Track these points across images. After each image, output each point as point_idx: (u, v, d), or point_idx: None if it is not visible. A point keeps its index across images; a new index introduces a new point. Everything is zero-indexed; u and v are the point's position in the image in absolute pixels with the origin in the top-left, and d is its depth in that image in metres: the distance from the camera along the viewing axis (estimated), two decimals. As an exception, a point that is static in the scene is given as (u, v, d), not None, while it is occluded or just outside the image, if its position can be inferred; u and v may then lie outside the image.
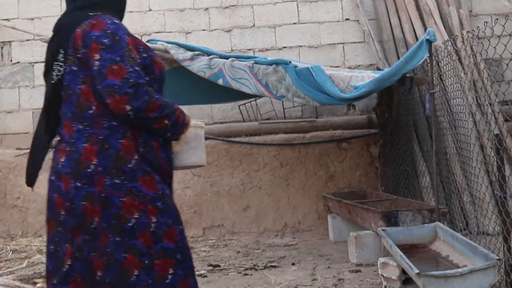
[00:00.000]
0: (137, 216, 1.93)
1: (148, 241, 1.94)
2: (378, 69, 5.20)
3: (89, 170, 1.93)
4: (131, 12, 5.99)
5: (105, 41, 1.96)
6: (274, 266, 4.16)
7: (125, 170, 1.94)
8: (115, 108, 1.93)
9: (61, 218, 1.98)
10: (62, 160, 2.00)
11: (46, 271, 2.05)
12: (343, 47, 5.95)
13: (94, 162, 1.93)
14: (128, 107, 1.92)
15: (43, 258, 4.30)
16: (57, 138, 2.12)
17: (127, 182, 1.93)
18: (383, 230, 3.52)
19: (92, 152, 1.94)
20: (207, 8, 6.01)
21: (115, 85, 1.91)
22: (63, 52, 2.02)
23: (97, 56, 1.94)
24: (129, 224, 1.92)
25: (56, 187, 2.00)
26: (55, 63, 2.04)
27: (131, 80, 1.93)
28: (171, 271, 1.96)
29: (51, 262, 2.03)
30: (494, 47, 3.09)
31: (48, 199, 2.05)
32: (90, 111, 1.98)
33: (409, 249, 3.40)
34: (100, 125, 1.97)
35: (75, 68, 2.00)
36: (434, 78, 4.03)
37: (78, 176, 1.94)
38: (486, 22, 3.36)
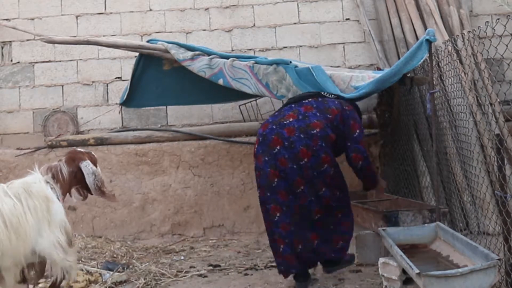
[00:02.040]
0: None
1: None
2: (379, 69, 5.20)
3: (313, 132, 3.42)
4: (132, 12, 6.01)
5: (360, 125, 3.60)
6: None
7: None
8: (354, 159, 3.53)
9: (274, 151, 3.42)
10: (291, 120, 3.49)
11: (259, 186, 3.51)
12: (344, 47, 5.95)
13: (317, 130, 3.43)
14: (360, 163, 3.53)
15: None
16: (290, 107, 3.64)
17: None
18: (383, 230, 3.52)
19: (319, 125, 3.45)
20: (207, 8, 6.01)
21: (361, 149, 3.53)
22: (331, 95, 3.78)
23: (358, 130, 3.55)
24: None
25: (278, 132, 3.45)
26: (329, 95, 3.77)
27: (366, 152, 3.59)
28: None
29: (261, 180, 3.47)
30: (495, 47, 3.09)
31: (263, 139, 3.48)
32: (330, 116, 3.54)
33: (410, 249, 3.39)
34: (315, 142, 3.41)
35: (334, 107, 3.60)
36: (434, 78, 4.03)
37: (304, 132, 3.42)
38: (487, 22, 3.35)
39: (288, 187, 3.40)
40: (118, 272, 3.93)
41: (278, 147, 3.40)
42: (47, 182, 2.92)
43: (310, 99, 3.66)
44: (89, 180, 3.04)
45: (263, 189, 3.48)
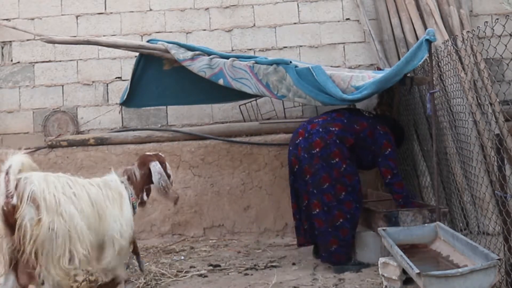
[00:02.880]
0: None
1: None
2: (379, 69, 5.20)
3: (313, 151, 3.94)
4: (132, 12, 6.01)
5: (393, 145, 4.09)
6: (275, 266, 4.17)
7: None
8: (384, 173, 4.05)
9: (295, 170, 4.09)
10: (301, 139, 4.05)
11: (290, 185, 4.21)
12: (344, 47, 5.95)
13: (317, 150, 3.93)
14: (388, 178, 4.02)
15: None
16: (304, 123, 4.24)
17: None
18: (383, 230, 3.52)
19: (318, 145, 3.93)
20: (207, 8, 6.01)
21: (391, 165, 4.02)
22: (370, 114, 4.35)
23: (389, 149, 4.04)
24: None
25: (294, 153, 4.09)
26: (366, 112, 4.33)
27: (396, 168, 4.06)
28: None
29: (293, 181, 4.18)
30: (495, 47, 3.10)
31: (288, 158, 4.20)
32: (357, 127, 4.07)
33: (410, 249, 3.40)
34: (330, 136, 3.95)
35: (368, 123, 4.12)
36: (434, 78, 4.03)
37: (307, 151, 3.96)
38: (487, 22, 3.36)
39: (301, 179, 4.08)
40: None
41: (295, 165, 4.14)
42: (122, 182, 3.35)
43: (345, 110, 4.25)
44: (155, 178, 3.45)
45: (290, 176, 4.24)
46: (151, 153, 3.67)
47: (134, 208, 3.39)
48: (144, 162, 3.52)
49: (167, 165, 3.62)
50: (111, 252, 3.12)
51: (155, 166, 3.47)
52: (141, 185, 3.47)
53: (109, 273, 3.19)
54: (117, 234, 3.14)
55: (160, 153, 3.71)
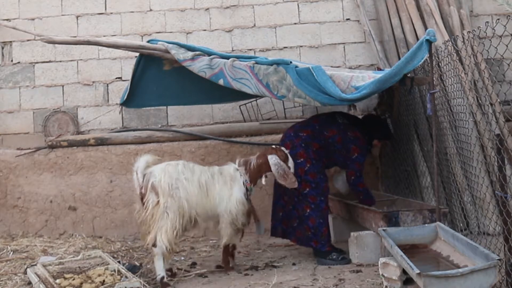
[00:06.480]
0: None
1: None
2: (379, 69, 5.19)
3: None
4: (132, 12, 6.01)
5: (361, 150, 4.38)
6: (275, 266, 4.17)
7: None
8: (349, 175, 4.39)
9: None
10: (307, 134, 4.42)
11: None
12: (344, 47, 5.95)
13: (287, 151, 4.26)
14: (352, 179, 4.37)
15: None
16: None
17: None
18: (383, 230, 3.52)
19: (288, 146, 4.32)
20: (207, 8, 6.01)
21: (355, 169, 4.35)
22: (344, 120, 4.55)
23: (356, 154, 4.35)
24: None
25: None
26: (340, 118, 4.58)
27: (359, 172, 4.38)
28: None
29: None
30: (496, 47, 3.09)
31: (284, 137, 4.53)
32: (327, 134, 4.41)
33: (410, 249, 3.40)
34: (297, 140, 4.36)
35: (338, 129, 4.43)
36: (434, 78, 4.03)
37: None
38: (487, 22, 3.36)
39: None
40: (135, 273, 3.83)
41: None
42: (237, 170, 4.06)
43: (322, 116, 4.60)
44: (273, 169, 4.05)
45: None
46: (275, 147, 4.25)
47: (250, 190, 4.06)
48: (263, 154, 4.17)
49: (289, 158, 4.19)
50: (224, 223, 3.96)
51: (271, 159, 4.06)
52: (257, 172, 4.09)
53: (224, 237, 4.02)
54: (224, 210, 3.93)
55: (283, 149, 4.24)
